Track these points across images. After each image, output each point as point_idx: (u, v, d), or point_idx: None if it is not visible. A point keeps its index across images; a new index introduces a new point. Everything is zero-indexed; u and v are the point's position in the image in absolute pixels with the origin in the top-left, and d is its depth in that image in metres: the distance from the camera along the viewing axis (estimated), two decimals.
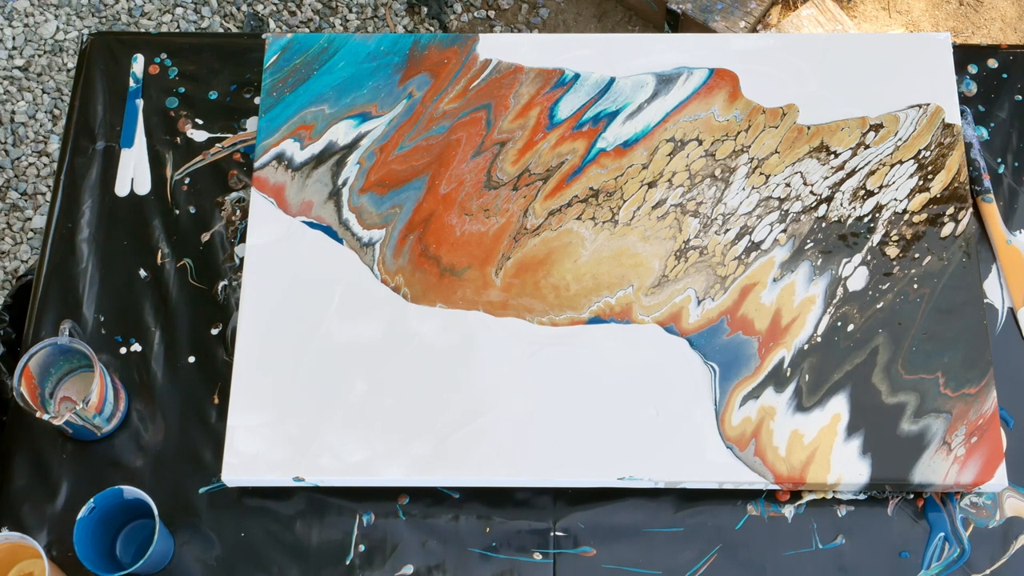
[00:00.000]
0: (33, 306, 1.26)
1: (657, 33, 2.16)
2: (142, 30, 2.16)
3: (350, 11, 2.20)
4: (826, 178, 1.27)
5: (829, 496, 1.18)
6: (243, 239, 1.28)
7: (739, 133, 1.29)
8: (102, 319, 1.25)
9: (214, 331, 1.25)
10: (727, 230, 1.24)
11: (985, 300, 1.25)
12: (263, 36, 1.37)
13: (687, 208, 1.25)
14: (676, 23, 2.09)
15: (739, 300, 1.21)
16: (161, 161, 1.32)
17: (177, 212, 1.30)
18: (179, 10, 2.18)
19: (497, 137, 1.28)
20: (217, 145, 1.33)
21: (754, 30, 2.07)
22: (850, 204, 1.25)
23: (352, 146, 1.29)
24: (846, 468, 1.15)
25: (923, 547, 1.16)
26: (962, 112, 1.33)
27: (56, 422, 1.14)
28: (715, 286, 1.22)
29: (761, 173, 1.27)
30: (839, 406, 1.17)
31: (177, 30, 2.16)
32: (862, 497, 1.18)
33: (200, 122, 1.34)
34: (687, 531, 1.17)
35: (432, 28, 2.22)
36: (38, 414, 1.13)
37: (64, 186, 1.31)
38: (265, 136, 1.29)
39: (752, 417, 1.17)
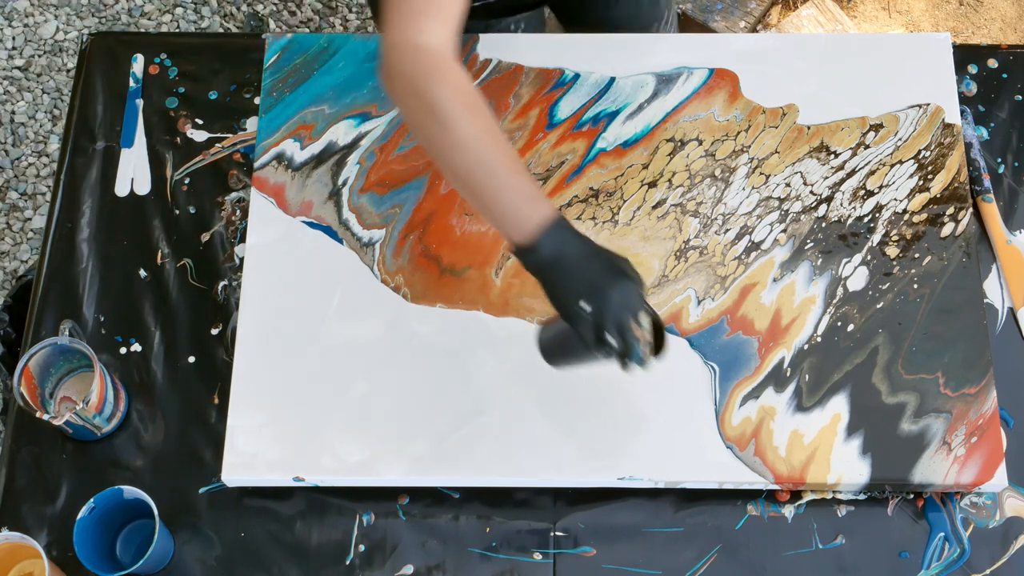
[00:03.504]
0: (33, 306, 1.26)
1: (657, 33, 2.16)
2: (142, 30, 2.15)
3: (350, 11, 2.20)
4: (826, 178, 1.27)
5: (829, 496, 1.18)
6: (243, 239, 1.28)
7: (739, 133, 1.28)
8: (102, 319, 1.25)
9: (214, 331, 1.25)
10: (727, 230, 1.24)
11: (985, 300, 1.25)
12: (263, 36, 1.36)
13: (687, 208, 1.25)
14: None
15: (739, 300, 1.21)
16: (161, 161, 1.32)
17: (177, 212, 1.30)
18: (179, 10, 2.18)
19: None
20: (217, 145, 1.33)
21: (754, 30, 2.07)
22: (850, 204, 1.25)
23: (352, 146, 1.28)
24: (846, 468, 1.15)
25: (923, 547, 1.16)
26: (962, 112, 1.33)
27: (56, 422, 1.14)
28: (715, 286, 1.22)
29: (761, 173, 1.27)
30: (839, 406, 1.17)
31: (177, 30, 2.16)
32: (862, 497, 1.18)
33: (200, 122, 1.34)
34: (687, 531, 1.17)
35: None
36: (38, 414, 1.13)
37: (64, 186, 1.31)
38: (265, 136, 1.29)
39: (752, 417, 1.16)
